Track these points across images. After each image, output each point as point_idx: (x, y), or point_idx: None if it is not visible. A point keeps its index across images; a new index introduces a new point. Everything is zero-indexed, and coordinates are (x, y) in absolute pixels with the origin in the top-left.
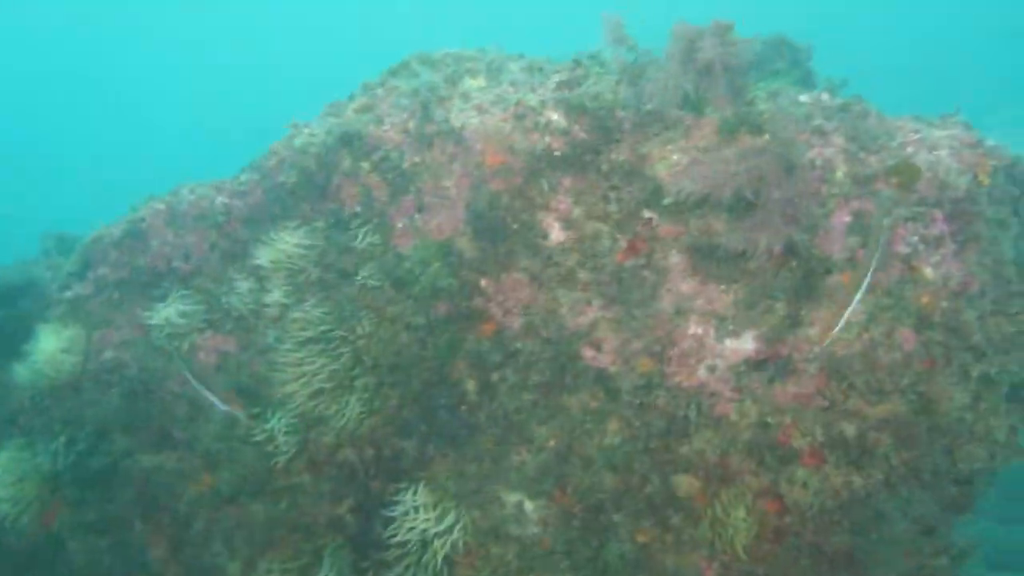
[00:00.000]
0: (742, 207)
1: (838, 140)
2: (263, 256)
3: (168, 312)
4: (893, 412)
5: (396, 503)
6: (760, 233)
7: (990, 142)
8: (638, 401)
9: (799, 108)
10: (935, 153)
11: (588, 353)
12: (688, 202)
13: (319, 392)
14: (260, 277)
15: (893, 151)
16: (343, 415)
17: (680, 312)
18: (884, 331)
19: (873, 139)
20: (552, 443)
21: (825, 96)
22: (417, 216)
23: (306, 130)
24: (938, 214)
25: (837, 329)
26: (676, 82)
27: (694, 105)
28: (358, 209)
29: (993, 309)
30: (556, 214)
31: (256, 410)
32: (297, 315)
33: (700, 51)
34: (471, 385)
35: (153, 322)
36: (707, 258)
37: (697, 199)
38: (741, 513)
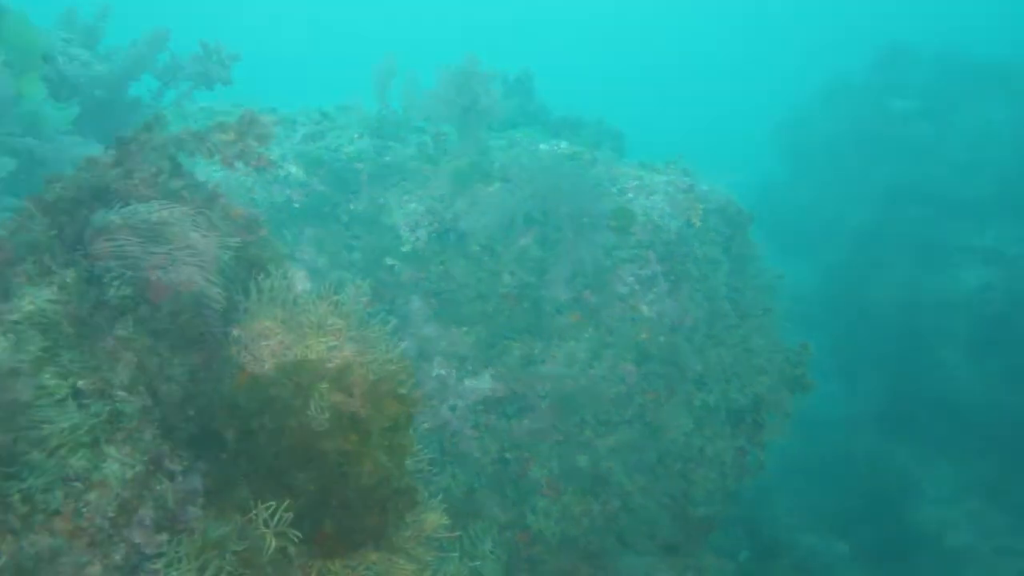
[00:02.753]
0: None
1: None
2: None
3: None
4: (622, 441)
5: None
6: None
7: (703, 186)
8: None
9: (534, 157)
10: (651, 198)
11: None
12: (425, 250)
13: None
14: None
15: (613, 197)
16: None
17: (424, 355)
18: (608, 366)
19: (595, 186)
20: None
21: (564, 144)
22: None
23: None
24: (652, 255)
25: (565, 366)
26: (415, 134)
27: (431, 156)
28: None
29: (710, 341)
30: (302, 263)
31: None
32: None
33: (460, 98)
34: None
35: None
36: (447, 302)
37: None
38: (488, 545)
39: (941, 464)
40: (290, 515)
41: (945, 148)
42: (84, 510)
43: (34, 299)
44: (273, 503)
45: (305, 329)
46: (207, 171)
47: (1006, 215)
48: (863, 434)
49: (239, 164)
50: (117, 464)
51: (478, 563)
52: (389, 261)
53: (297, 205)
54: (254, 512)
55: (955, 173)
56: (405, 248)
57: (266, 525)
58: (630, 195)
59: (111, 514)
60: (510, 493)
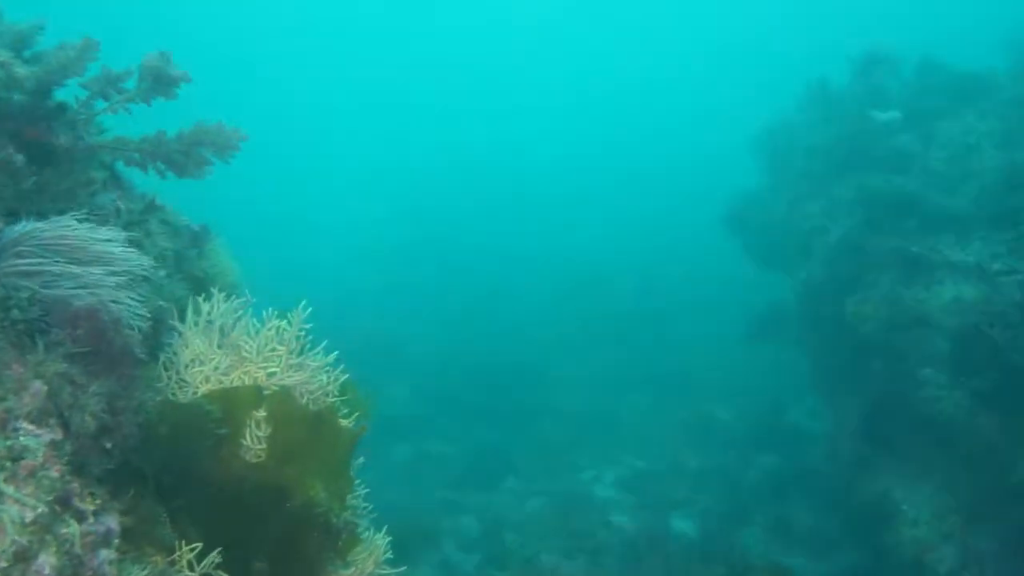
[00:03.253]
0: None
1: None
2: None
3: None
4: None
5: None
6: None
7: None
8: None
9: None
10: None
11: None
12: None
13: None
14: None
15: None
16: None
17: None
18: None
19: None
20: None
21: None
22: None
23: None
24: None
25: None
26: None
27: None
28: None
29: None
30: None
31: None
32: None
33: None
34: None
35: None
36: None
37: None
38: None
39: (922, 485)
40: (218, 555)
41: (927, 159)
42: None
43: None
44: (199, 543)
45: (244, 354)
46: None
47: (990, 229)
48: (842, 452)
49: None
50: (15, 506)
51: None
52: None
53: None
54: (178, 553)
55: (937, 185)
56: None
57: (191, 567)
58: None
59: (3, 564)
60: None
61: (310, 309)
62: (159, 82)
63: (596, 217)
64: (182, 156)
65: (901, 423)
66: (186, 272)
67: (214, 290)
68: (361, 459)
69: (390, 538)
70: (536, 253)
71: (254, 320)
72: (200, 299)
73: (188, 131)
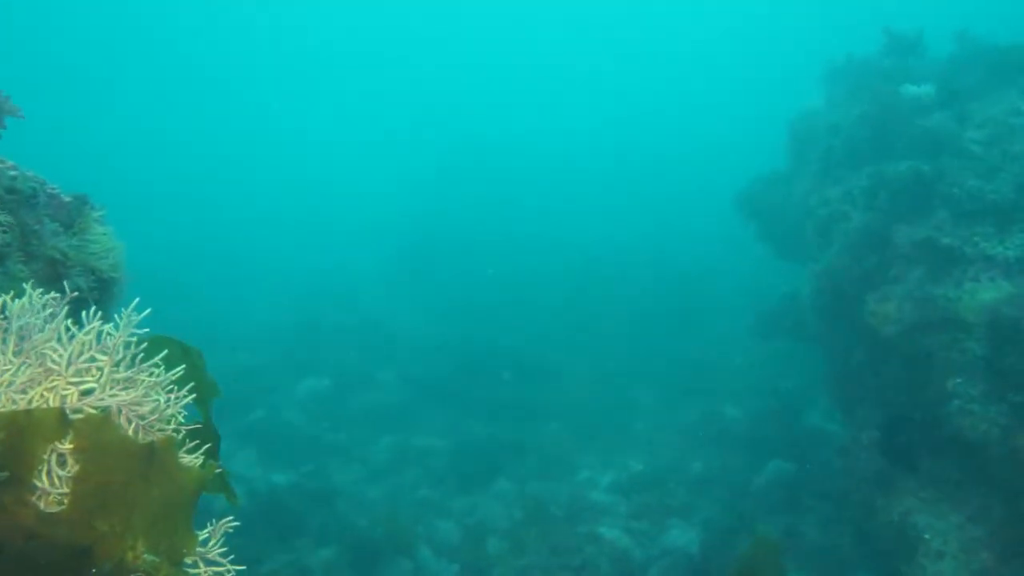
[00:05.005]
0: None
1: None
2: None
3: None
4: None
5: None
6: None
7: None
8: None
9: None
10: None
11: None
12: None
13: None
14: None
15: None
16: None
17: None
18: None
19: None
20: None
21: None
22: None
23: None
24: None
25: None
26: None
27: None
28: None
29: None
30: None
31: None
32: None
33: None
34: None
35: None
36: None
37: None
38: None
39: (949, 513)
40: None
41: (963, 141)
42: None
43: None
44: None
45: (51, 365)
46: None
47: None
48: (858, 466)
49: None
50: None
51: None
52: None
53: None
54: None
55: (974, 170)
56: None
57: None
58: None
59: None
60: None
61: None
62: None
63: (607, 206)
64: None
65: (926, 440)
66: (34, 252)
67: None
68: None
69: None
70: (544, 243)
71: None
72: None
73: None
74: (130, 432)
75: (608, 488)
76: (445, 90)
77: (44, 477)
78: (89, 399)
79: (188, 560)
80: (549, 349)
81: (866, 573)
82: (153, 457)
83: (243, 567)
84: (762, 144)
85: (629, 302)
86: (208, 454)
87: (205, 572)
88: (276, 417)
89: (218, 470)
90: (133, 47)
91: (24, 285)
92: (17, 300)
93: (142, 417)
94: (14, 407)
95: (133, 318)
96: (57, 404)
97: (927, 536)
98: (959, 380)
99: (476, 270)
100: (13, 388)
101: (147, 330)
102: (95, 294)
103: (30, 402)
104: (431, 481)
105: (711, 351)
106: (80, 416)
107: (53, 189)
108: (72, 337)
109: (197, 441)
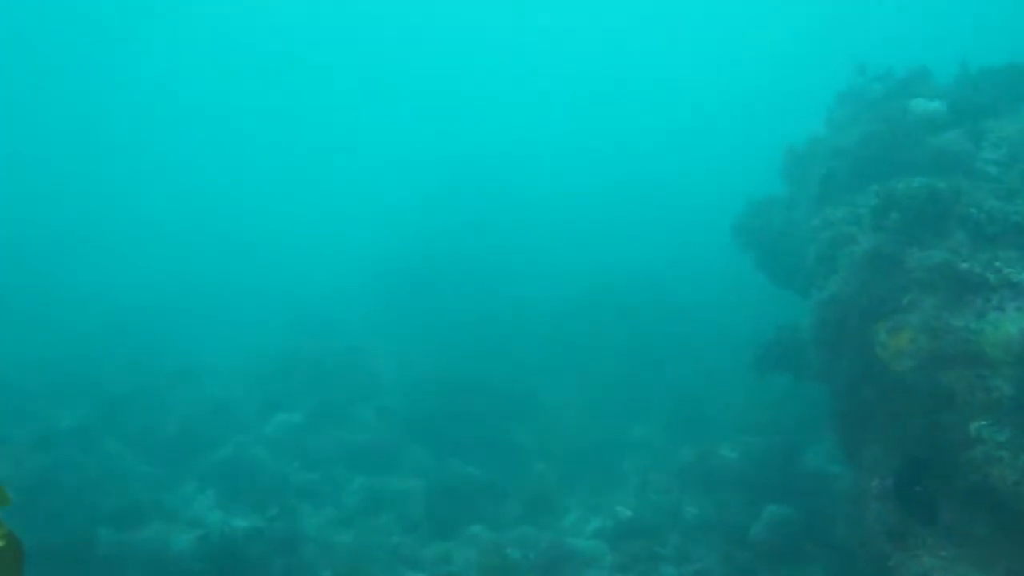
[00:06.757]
0: None
1: None
2: None
3: None
4: None
5: None
6: None
7: None
8: None
9: None
10: None
11: None
12: None
13: None
14: None
15: None
16: None
17: None
18: None
19: None
20: None
21: None
22: None
23: None
24: None
25: None
26: None
27: None
28: None
29: None
30: None
31: None
32: None
33: None
34: None
35: None
36: None
37: None
38: None
39: (972, 574)
40: None
41: (977, 161)
42: None
43: None
44: None
45: None
46: None
47: None
48: (867, 517)
49: None
50: None
51: None
52: None
53: None
54: None
55: (992, 191)
56: None
57: None
58: None
59: None
60: None
61: None
62: None
63: (600, 235)
64: None
65: (946, 489)
66: None
67: None
68: None
69: None
70: (534, 272)
71: None
72: None
73: None
74: None
75: (593, 534)
76: (435, 115)
77: None
78: None
79: None
80: (538, 383)
81: None
82: None
83: None
84: (757, 172)
85: (621, 334)
86: None
87: None
88: (243, 455)
89: None
90: (114, 63)
91: None
92: None
93: None
94: None
95: None
96: None
97: None
98: (984, 423)
99: (462, 300)
100: None
101: None
102: None
103: None
104: (405, 526)
105: (707, 386)
106: None
107: None
108: None
109: None
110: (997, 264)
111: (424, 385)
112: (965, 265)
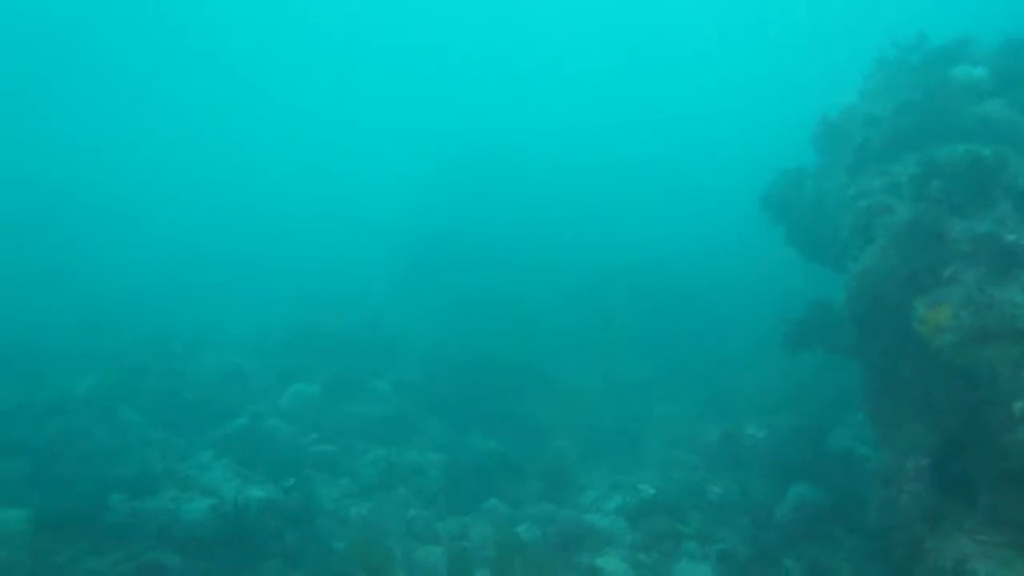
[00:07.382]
0: None
1: None
2: None
3: None
4: None
5: None
6: None
7: None
8: None
9: None
10: None
11: None
12: None
13: None
14: None
15: None
16: None
17: None
18: None
19: None
20: None
21: None
22: None
23: None
24: None
25: None
26: None
27: None
28: None
29: None
30: None
31: None
32: None
33: None
34: None
35: None
36: None
37: None
38: None
39: (1015, 559)
40: None
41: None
42: None
43: None
44: None
45: None
46: None
47: None
48: (902, 498)
49: None
50: None
51: None
52: None
53: None
54: None
55: None
56: None
57: None
58: None
59: None
60: None
61: None
62: None
63: (625, 210)
64: None
65: (987, 471)
66: None
67: None
68: None
69: None
70: (555, 247)
71: None
72: None
73: None
74: None
75: (614, 512)
76: (456, 93)
77: None
78: None
79: None
80: (558, 359)
81: None
82: None
83: None
84: (784, 146)
85: (645, 310)
86: None
87: None
88: (259, 425)
89: None
90: (131, 41)
91: None
92: None
93: None
94: None
95: None
96: None
97: None
98: None
99: (483, 274)
100: None
101: None
102: None
103: None
104: (421, 500)
105: (733, 364)
106: None
107: None
108: None
109: None
110: None
111: (442, 360)
112: (1011, 237)
